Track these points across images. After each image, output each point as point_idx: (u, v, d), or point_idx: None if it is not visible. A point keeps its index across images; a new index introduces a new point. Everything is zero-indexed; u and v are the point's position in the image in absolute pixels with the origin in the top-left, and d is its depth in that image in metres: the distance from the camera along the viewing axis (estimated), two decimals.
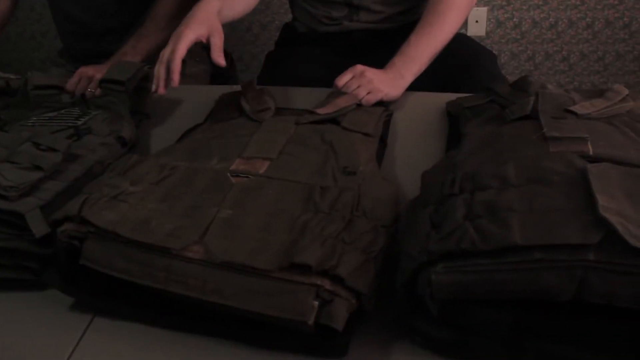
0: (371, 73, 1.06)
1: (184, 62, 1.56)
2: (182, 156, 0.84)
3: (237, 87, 1.11)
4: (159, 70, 0.99)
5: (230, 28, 2.46)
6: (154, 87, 1.01)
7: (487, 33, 2.38)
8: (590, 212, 0.58)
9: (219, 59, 1.01)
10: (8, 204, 0.74)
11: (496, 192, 0.65)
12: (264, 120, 0.96)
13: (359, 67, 1.07)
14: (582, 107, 0.85)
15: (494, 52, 1.37)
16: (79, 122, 0.99)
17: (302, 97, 1.15)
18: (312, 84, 1.23)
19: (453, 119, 1.03)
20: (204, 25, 1.01)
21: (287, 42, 1.43)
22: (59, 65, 1.68)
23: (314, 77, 1.29)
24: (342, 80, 1.06)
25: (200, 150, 0.86)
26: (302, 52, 1.36)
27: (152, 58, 1.40)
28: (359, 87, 1.04)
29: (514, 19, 2.33)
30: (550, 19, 2.31)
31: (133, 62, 1.20)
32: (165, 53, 1.00)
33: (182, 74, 1.54)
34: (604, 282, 0.56)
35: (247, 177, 0.78)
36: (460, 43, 1.21)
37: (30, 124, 1.00)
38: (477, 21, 2.32)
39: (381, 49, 1.25)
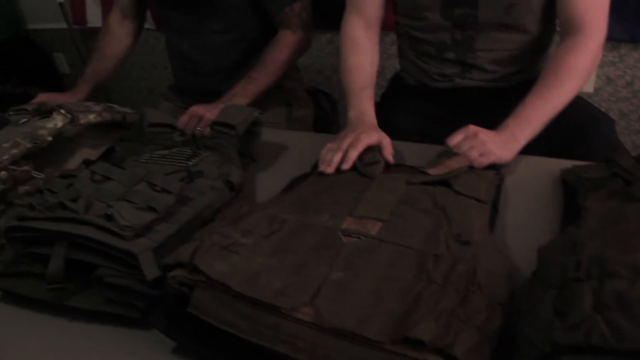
0: (484, 135, 1.04)
1: (290, 105, 1.61)
2: (292, 209, 0.84)
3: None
4: (336, 157, 1.03)
5: (333, 69, 2.49)
6: (322, 166, 1.03)
7: (595, 90, 2.29)
8: None
9: (391, 157, 1.07)
10: (123, 242, 0.75)
11: (628, 283, 0.60)
12: (374, 176, 0.95)
13: (472, 128, 1.05)
14: None
15: (604, 111, 1.32)
16: (190, 163, 1.02)
17: (411, 152, 1.14)
18: (420, 138, 1.22)
19: (569, 188, 0.98)
20: (376, 133, 1.10)
21: (396, 93, 1.43)
22: (169, 100, 1.75)
23: (421, 132, 1.27)
24: (455, 140, 1.04)
25: (310, 203, 0.85)
26: (411, 105, 1.35)
27: (257, 100, 1.44)
28: (471, 148, 1.02)
29: (626, 77, 2.23)
30: (627, 77, 2.20)
31: (245, 106, 1.22)
32: (343, 145, 1.05)
33: (289, 118, 1.58)
34: None
35: (358, 237, 0.76)
36: (575, 105, 1.16)
37: (144, 160, 1.04)
38: None
39: (492, 107, 1.23)
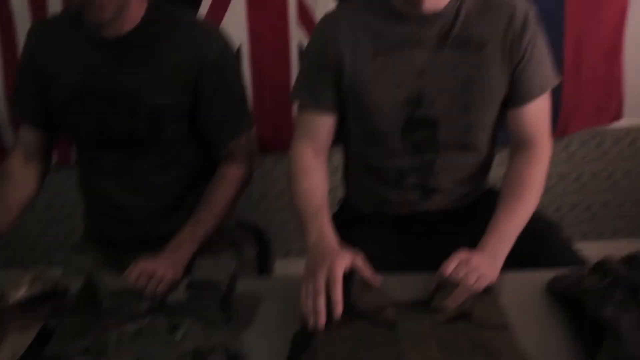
0: (476, 259, 1.04)
1: (236, 245, 1.48)
2: None
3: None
4: (320, 303, 0.95)
5: (261, 195, 2.43)
6: (311, 321, 0.95)
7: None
8: None
9: (373, 276, 1.02)
10: None
11: None
12: (390, 323, 0.90)
13: (464, 255, 1.05)
14: None
15: None
16: (177, 338, 0.90)
17: (400, 285, 1.09)
18: (387, 267, 1.19)
19: (567, 300, 1.00)
20: (346, 256, 1.02)
21: (348, 222, 1.38)
22: (85, 253, 1.52)
23: (388, 261, 1.24)
24: (449, 268, 1.03)
25: None
26: (373, 235, 1.32)
27: (203, 246, 1.33)
28: (466, 274, 1.01)
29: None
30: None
31: (223, 258, 1.12)
32: (320, 285, 0.97)
33: (237, 260, 1.47)
34: None
35: None
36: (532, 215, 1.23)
37: (114, 344, 0.90)
38: None
39: (452, 228, 1.26)
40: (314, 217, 1.16)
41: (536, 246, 1.23)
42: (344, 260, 1.01)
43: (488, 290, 1.03)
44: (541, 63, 1.22)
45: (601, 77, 2.16)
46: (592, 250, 2.44)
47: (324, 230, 1.13)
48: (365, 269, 1.02)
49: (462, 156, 1.27)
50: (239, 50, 2.00)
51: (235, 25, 1.98)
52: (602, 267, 0.99)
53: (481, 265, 1.03)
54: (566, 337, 0.94)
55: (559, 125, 2.19)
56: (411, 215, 1.32)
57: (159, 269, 1.14)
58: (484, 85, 1.20)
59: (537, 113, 1.23)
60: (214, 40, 1.35)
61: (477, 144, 1.27)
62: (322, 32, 1.27)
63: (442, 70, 1.19)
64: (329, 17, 1.29)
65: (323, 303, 0.95)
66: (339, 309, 0.95)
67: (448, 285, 0.99)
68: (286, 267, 1.65)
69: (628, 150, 2.38)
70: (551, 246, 1.23)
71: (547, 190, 2.33)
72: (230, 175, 1.39)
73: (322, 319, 0.94)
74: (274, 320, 1.04)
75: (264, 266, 1.58)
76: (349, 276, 0.99)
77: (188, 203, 1.40)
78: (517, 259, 1.19)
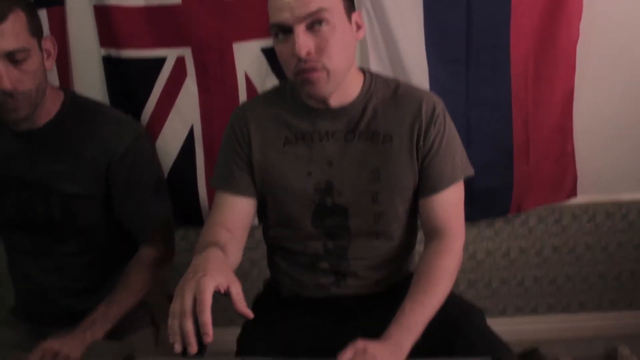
0: (373, 349, 1.04)
1: (156, 325, 1.50)
2: None
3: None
4: (187, 325, 0.88)
5: (188, 266, 2.41)
6: (177, 347, 0.88)
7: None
8: None
9: (245, 309, 0.94)
10: None
11: None
12: None
13: (361, 344, 1.05)
14: None
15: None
16: None
17: None
18: (301, 352, 1.19)
19: None
20: (222, 274, 0.96)
21: (269, 304, 1.40)
22: (10, 326, 1.54)
23: (302, 346, 1.25)
24: (345, 357, 1.03)
25: None
26: (288, 317, 1.33)
27: (119, 324, 1.34)
28: None
29: (469, 250, 2.42)
30: (503, 248, 2.42)
31: (114, 343, 1.14)
32: (186, 305, 0.90)
33: (157, 341, 1.48)
34: None
35: None
36: (446, 301, 1.22)
37: None
38: None
39: (367, 313, 1.26)
40: (204, 247, 1.10)
41: (452, 333, 1.22)
42: (216, 280, 0.94)
43: None
44: (450, 154, 1.25)
45: (553, 155, 2.19)
46: (560, 322, 2.42)
47: (210, 252, 1.06)
48: (239, 300, 0.95)
49: (375, 243, 1.29)
50: (191, 130, 2.07)
51: (189, 107, 2.05)
52: None
53: (378, 356, 1.03)
54: None
55: (513, 203, 2.22)
56: (326, 299, 1.33)
57: (63, 349, 1.16)
58: (392, 175, 1.23)
59: (447, 203, 1.26)
60: (126, 132, 1.41)
61: (391, 233, 1.29)
62: (234, 121, 1.32)
63: (350, 160, 1.23)
64: (240, 109, 1.34)
65: (191, 327, 0.89)
66: (208, 335, 0.88)
67: None
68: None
69: (588, 226, 2.40)
70: (467, 333, 1.23)
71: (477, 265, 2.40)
72: (147, 256, 1.44)
73: (193, 347, 0.88)
74: None
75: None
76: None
77: (109, 282, 1.43)
78: (430, 344, 1.19)
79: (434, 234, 1.26)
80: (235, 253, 1.22)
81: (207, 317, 0.88)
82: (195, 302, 0.90)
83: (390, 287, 1.32)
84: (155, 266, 1.44)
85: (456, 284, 1.23)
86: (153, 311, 1.54)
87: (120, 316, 1.36)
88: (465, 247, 2.39)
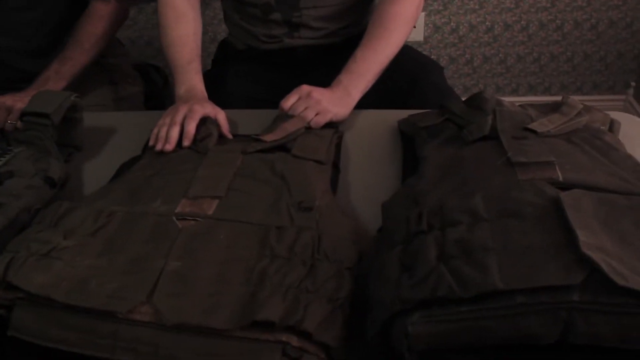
0: (318, 93, 1.01)
1: (115, 84, 1.48)
2: (121, 199, 0.77)
3: None
4: (173, 131, 0.95)
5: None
6: (159, 145, 0.94)
7: (425, 38, 2.36)
8: (571, 250, 0.54)
9: (229, 134, 1.00)
10: None
11: (467, 228, 0.60)
12: (207, 150, 0.89)
13: (305, 88, 1.02)
14: (541, 125, 0.83)
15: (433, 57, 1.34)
16: None
17: (246, 120, 1.08)
18: (255, 104, 1.18)
19: (407, 139, 0.98)
20: (209, 105, 1.04)
21: (225, 60, 1.35)
22: None
23: (256, 97, 1.23)
24: (288, 102, 1.00)
25: (141, 190, 0.78)
26: (242, 70, 1.29)
27: (76, 81, 1.31)
28: (306, 108, 0.99)
29: (451, 24, 2.33)
30: (487, 23, 2.32)
31: (58, 91, 1.10)
32: (177, 118, 0.97)
33: (115, 97, 1.46)
34: (589, 322, 0.52)
35: (194, 220, 0.71)
36: (405, 55, 1.18)
37: None
38: (414, 27, 2.29)
39: (325, 64, 1.21)
40: (184, 69, 1.13)
41: (408, 87, 1.20)
42: (206, 108, 1.01)
43: (334, 128, 1.01)
44: None
45: None
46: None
47: (194, 83, 1.11)
48: (224, 124, 1.00)
49: None
50: None
51: None
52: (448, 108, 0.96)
53: (324, 100, 1.00)
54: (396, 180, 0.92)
55: None
56: (279, 49, 1.28)
57: (16, 104, 1.14)
58: None
59: None
60: None
61: None
62: None
63: None
64: None
65: (176, 132, 0.95)
66: (189, 138, 0.94)
67: (283, 118, 0.98)
68: None
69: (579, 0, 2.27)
70: (423, 87, 1.20)
71: (459, 40, 2.32)
72: (97, 11, 1.35)
73: (172, 145, 0.94)
74: (121, 153, 1.03)
75: (161, 103, 1.57)
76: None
77: (61, 44, 1.36)
78: (387, 99, 1.17)
79: None
80: (197, 27, 1.21)
81: (192, 127, 0.96)
82: (185, 119, 0.97)
83: (347, 40, 1.26)
84: (106, 22, 1.36)
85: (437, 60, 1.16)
86: (111, 71, 1.50)
87: (75, 75, 1.32)
88: (447, 19, 2.32)
